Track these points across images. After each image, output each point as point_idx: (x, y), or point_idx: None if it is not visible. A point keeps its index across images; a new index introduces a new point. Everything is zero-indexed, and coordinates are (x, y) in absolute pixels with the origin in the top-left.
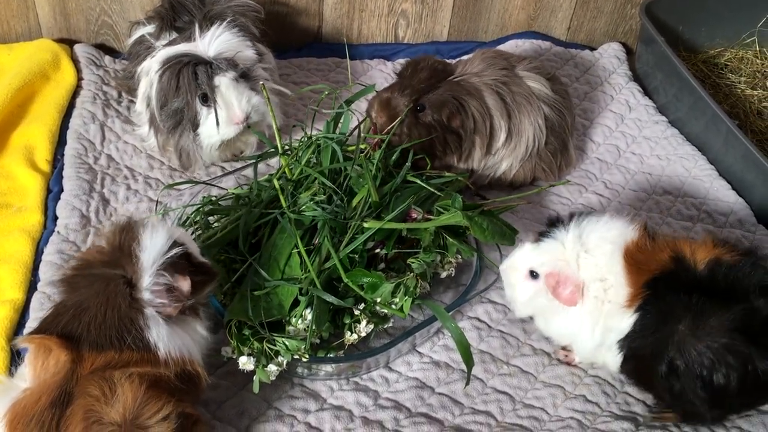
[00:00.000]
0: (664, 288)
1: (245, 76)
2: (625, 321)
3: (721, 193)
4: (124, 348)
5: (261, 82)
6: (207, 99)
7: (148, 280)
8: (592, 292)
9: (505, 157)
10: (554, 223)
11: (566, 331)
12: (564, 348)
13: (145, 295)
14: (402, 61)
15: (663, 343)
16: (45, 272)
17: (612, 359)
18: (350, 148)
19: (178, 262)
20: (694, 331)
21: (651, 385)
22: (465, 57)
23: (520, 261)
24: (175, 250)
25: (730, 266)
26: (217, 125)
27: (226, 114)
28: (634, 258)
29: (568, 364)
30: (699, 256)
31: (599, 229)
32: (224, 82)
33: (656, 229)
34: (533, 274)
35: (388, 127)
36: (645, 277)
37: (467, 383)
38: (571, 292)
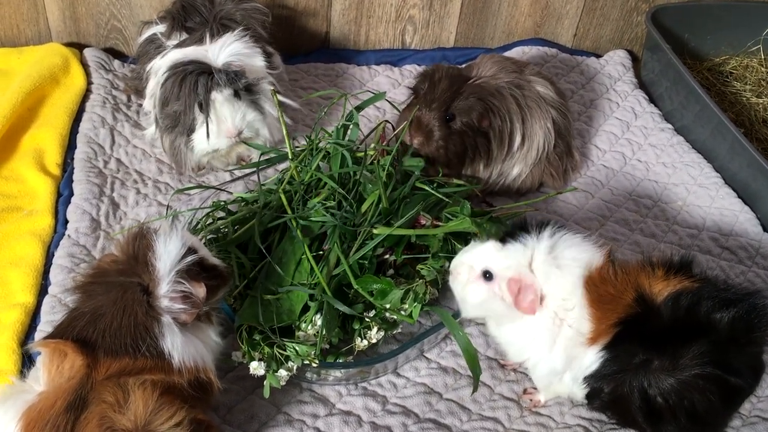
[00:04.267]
0: (631, 332)
1: (249, 89)
2: (589, 356)
3: (726, 201)
4: (139, 355)
5: (272, 88)
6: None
7: (165, 288)
8: (551, 307)
9: (517, 162)
10: (522, 227)
11: (518, 340)
12: (525, 392)
13: (163, 303)
14: (410, 67)
15: (637, 382)
16: (56, 276)
17: (579, 393)
18: (358, 155)
19: (192, 269)
20: (669, 370)
21: (628, 420)
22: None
23: (478, 259)
24: (190, 257)
25: (690, 302)
26: (207, 136)
27: (217, 127)
28: (597, 290)
29: (535, 406)
30: (656, 289)
31: (574, 248)
32: (219, 98)
33: (623, 252)
34: (487, 276)
35: (398, 130)
36: (611, 319)
37: (474, 390)
38: (531, 300)
